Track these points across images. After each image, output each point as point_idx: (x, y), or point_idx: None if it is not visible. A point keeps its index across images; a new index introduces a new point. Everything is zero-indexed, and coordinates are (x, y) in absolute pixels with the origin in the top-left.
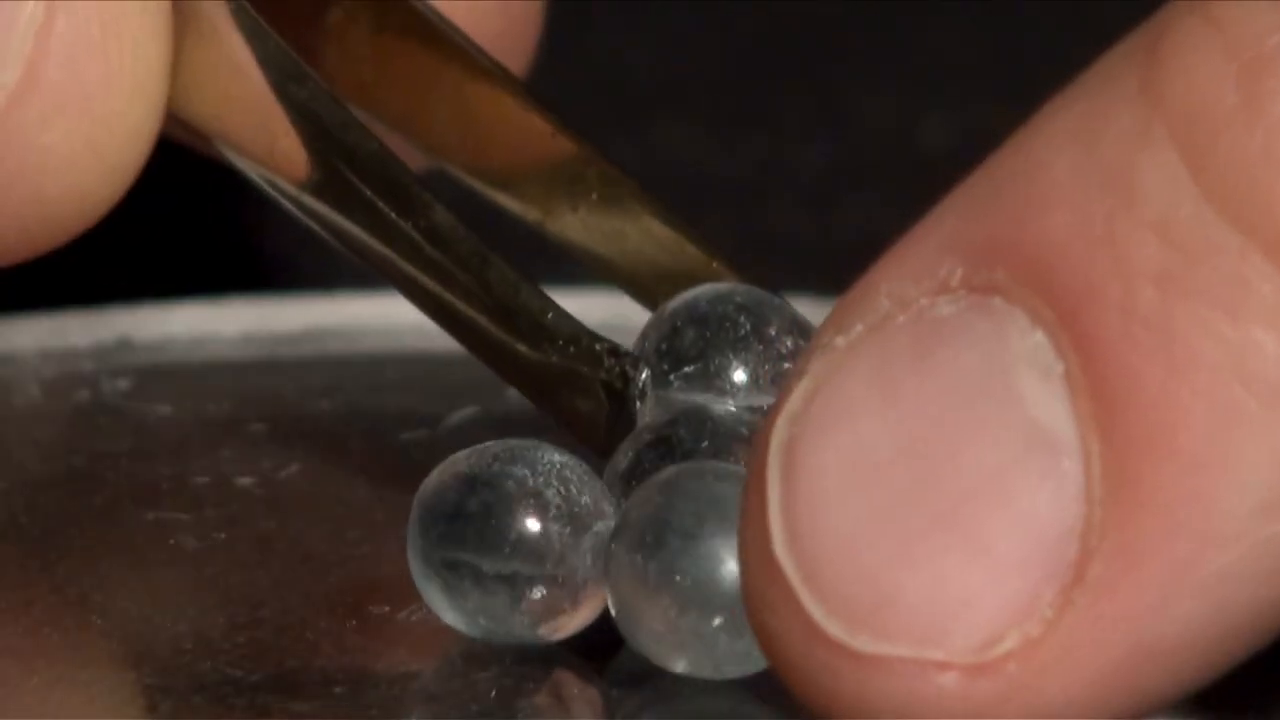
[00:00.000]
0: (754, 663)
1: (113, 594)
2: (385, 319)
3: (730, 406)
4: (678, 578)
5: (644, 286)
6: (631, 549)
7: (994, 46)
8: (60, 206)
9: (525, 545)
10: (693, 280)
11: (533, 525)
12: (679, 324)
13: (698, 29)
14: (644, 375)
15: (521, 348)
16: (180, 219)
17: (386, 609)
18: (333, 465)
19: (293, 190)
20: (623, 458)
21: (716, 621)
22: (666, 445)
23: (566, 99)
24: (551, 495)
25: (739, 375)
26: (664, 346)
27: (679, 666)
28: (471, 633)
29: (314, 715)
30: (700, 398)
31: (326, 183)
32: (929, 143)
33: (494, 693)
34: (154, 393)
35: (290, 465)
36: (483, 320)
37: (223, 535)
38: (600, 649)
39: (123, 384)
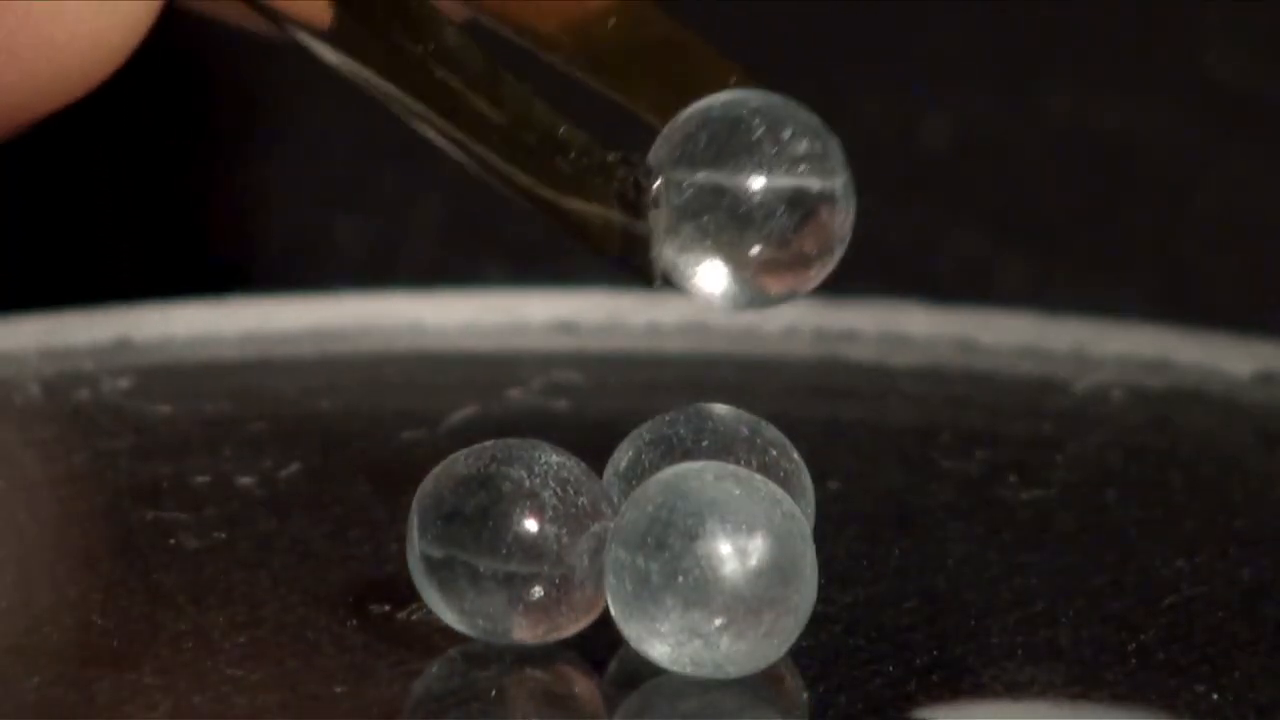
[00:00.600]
0: (755, 662)
1: (113, 593)
2: (385, 319)
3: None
4: (680, 579)
5: (663, 102)
6: (632, 550)
7: (993, 46)
8: (72, 54)
9: (523, 546)
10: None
11: (530, 526)
12: (693, 129)
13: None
14: (657, 184)
15: (532, 167)
16: (180, 219)
17: (387, 608)
18: (333, 465)
19: (306, 28)
20: (622, 457)
21: (718, 622)
22: (666, 445)
23: (566, 97)
24: (549, 496)
25: (755, 180)
26: (679, 153)
27: (680, 667)
28: (470, 633)
29: (315, 714)
30: (716, 189)
31: (338, 14)
32: (929, 142)
33: (494, 692)
34: (154, 392)
35: (290, 465)
36: (495, 140)
37: (223, 534)
38: (600, 649)
39: (123, 383)
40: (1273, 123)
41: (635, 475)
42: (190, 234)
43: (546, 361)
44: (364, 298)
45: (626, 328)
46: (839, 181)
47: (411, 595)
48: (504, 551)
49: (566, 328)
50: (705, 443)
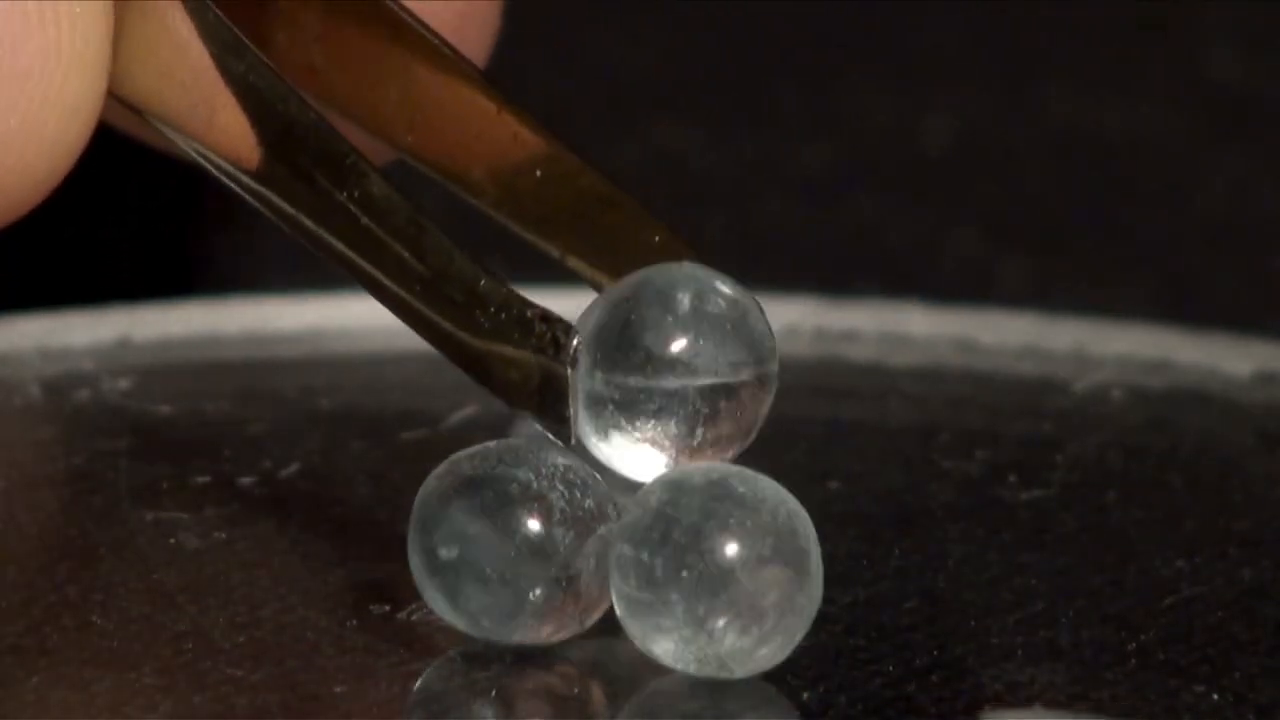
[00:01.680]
0: (760, 661)
1: (113, 593)
2: (385, 319)
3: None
4: (684, 573)
5: (588, 255)
6: (637, 546)
7: (993, 45)
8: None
9: (528, 547)
10: (648, 250)
11: (535, 527)
12: (606, 320)
13: (697, 28)
14: (575, 341)
15: (452, 318)
16: (180, 219)
17: (387, 608)
18: (333, 465)
19: (231, 167)
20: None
21: (724, 619)
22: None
23: (566, 98)
24: (555, 498)
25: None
26: (593, 350)
27: (684, 665)
28: (473, 633)
29: (315, 714)
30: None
31: (264, 157)
32: (929, 142)
33: (494, 692)
34: (154, 392)
35: (291, 465)
36: (416, 289)
37: (223, 535)
38: (600, 649)
39: (123, 383)
40: (1272, 123)
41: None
42: (190, 234)
43: None
44: (364, 297)
45: None
46: (760, 371)
47: (412, 595)
48: (510, 554)
49: None
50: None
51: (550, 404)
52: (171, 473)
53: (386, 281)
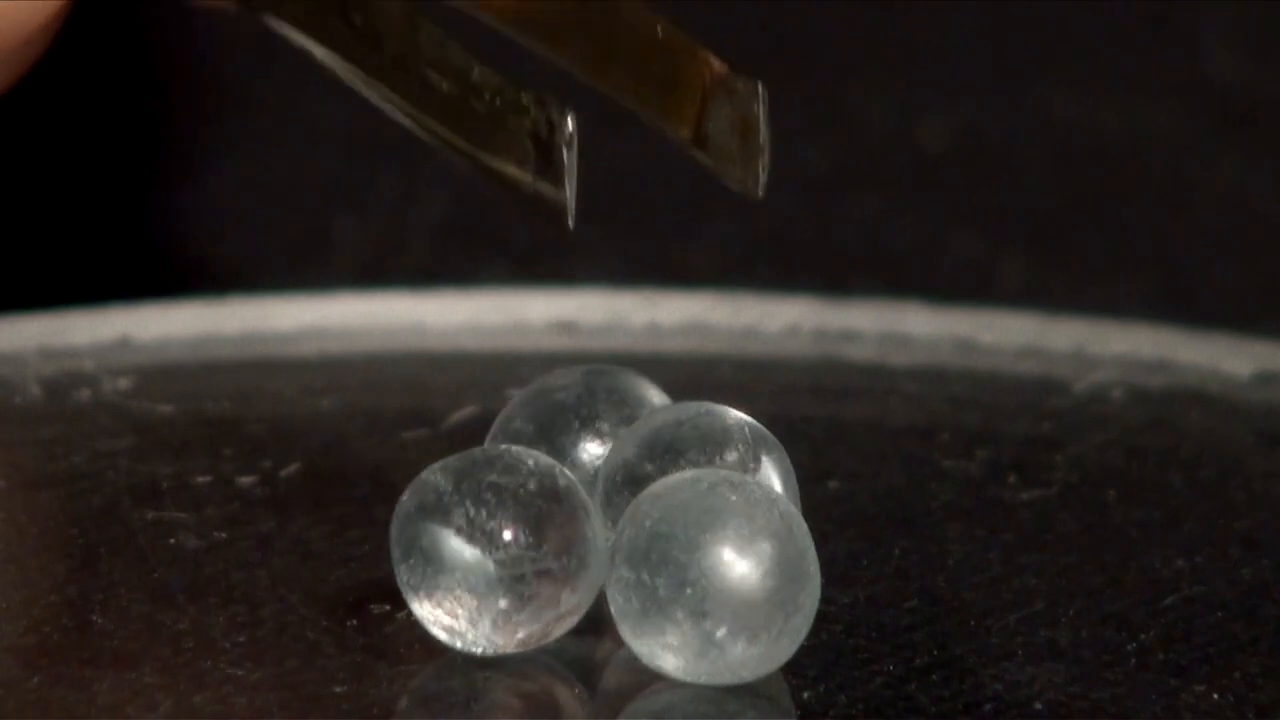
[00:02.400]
0: (768, 665)
1: (113, 593)
2: (385, 319)
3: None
4: (688, 590)
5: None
6: (636, 567)
7: (992, 48)
8: None
9: (501, 558)
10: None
11: (507, 536)
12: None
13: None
14: (569, 121)
15: (449, 112)
16: (181, 219)
17: (387, 608)
18: (333, 464)
19: None
20: (615, 457)
21: (731, 629)
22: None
23: (566, 99)
24: (525, 503)
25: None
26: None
27: (694, 678)
28: (462, 647)
29: (314, 714)
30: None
31: None
32: (929, 143)
33: (493, 692)
34: (155, 392)
35: (290, 464)
36: (410, 82)
37: (223, 534)
38: (600, 650)
39: (123, 383)
40: (1272, 124)
41: (626, 478)
42: (191, 234)
43: (546, 361)
44: (364, 297)
45: (626, 328)
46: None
47: (408, 604)
48: (489, 562)
49: (566, 328)
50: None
51: (545, 191)
52: (172, 472)
53: (385, 86)
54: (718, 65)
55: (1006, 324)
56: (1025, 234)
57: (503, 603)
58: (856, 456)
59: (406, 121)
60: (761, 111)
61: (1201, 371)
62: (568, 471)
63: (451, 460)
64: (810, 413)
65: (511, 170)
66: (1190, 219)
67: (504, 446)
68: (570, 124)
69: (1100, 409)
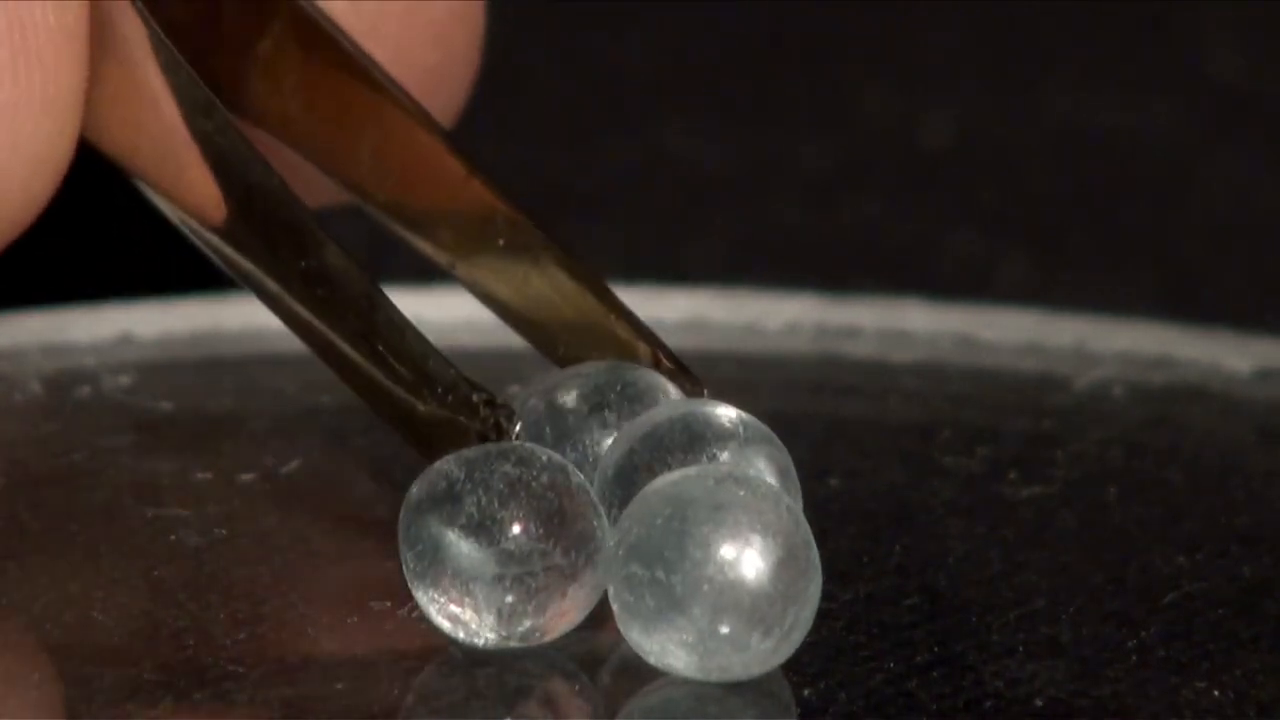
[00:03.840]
0: (777, 658)
1: (114, 590)
2: None
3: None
4: (705, 587)
5: (548, 336)
6: (650, 563)
7: (993, 44)
8: None
9: (511, 549)
10: (592, 332)
11: (516, 529)
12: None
13: (698, 27)
14: (517, 427)
15: (400, 394)
16: None
17: (388, 604)
18: (334, 461)
19: (197, 225)
20: (612, 455)
21: (747, 624)
22: (658, 443)
23: (569, 98)
24: (537, 497)
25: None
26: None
27: (706, 675)
28: (465, 639)
29: (316, 711)
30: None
31: (228, 217)
32: (929, 140)
33: (495, 689)
34: (155, 389)
35: (292, 461)
36: (366, 364)
37: (224, 531)
38: (601, 646)
39: (124, 380)
40: (1272, 121)
41: (627, 474)
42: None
43: (546, 359)
44: None
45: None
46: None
47: (412, 592)
48: (494, 556)
49: None
50: (695, 442)
51: None
52: (172, 469)
53: (340, 349)
54: (667, 362)
55: (1007, 321)
56: (1026, 231)
57: (510, 596)
58: (857, 453)
59: (358, 394)
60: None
61: (1202, 368)
62: (578, 470)
63: (465, 450)
64: (810, 410)
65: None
66: (1191, 216)
67: (517, 442)
68: (517, 429)
69: (1101, 406)
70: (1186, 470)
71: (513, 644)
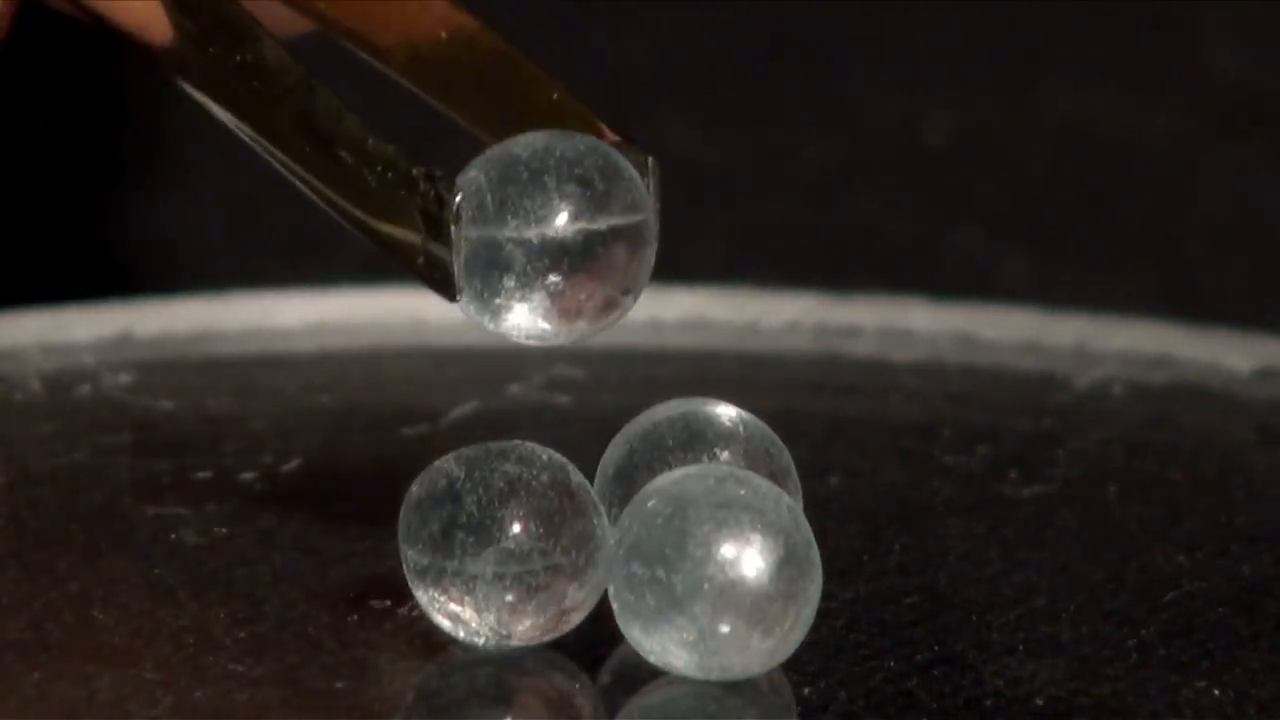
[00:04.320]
0: (778, 657)
1: (114, 589)
2: (387, 315)
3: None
4: (706, 586)
5: (488, 116)
6: (650, 562)
7: (994, 43)
8: None
9: (511, 548)
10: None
11: (517, 528)
12: (481, 185)
13: (700, 24)
14: (458, 199)
15: (341, 179)
16: (182, 215)
17: (388, 603)
18: (334, 460)
19: (141, 39)
20: (612, 454)
21: (748, 623)
22: (658, 442)
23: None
24: (538, 496)
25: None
26: (470, 209)
27: (706, 674)
28: (465, 637)
29: (316, 710)
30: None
31: (165, 26)
32: (931, 138)
33: (495, 688)
34: (155, 388)
35: (291, 460)
36: (306, 150)
37: (224, 530)
38: (601, 645)
39: (124, 379)
40: (1274, 120)
41: (627, 473)
42: (191, 230)
43: (547, 357)
44: (365, 294)
45: (627, 323)
46: (631, 220)
47: (412, 591)
48: (493, 555)
49: None
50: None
51: (435, 270)
52: (172, 468)
53: (280, 150)
54: (611, 135)
55: (1007, 320)
56: (1026, 230)
57: (509, 595)
58: (857, 452)
59: (301, 186)
60: (651, 185)
61: (1202, 367)
62: (578, 470)
63: (465, 449)
64: (811, 408)
65: (401, 239)
66: (1191, 215)
67: (517, 441)
68: (458, 200)
69: (1101, 405)
70: (1187, 469)
71: (513, 643)
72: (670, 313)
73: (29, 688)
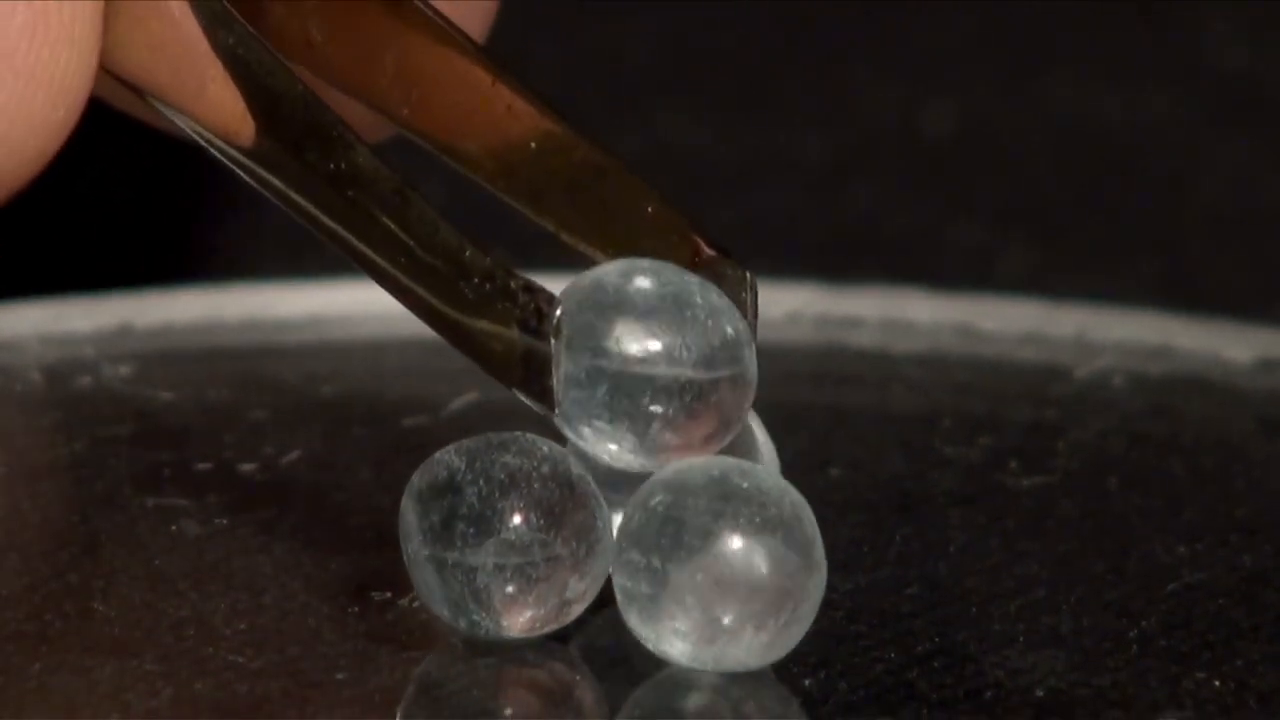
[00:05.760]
0: (775, 652)
1: (114, 580)
2: (386, 305)
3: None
4: (699, 577)
5: (584, 228)
6: (647, 552)
7: (995, 34)
8: None
9: (511, 539)
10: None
11: (517, 519)
12: (590, 318)
13: (699, 17)
14: (558, 312)
15: (437, 289)
16: (181, 205)
17: (389, 595)
18: (335, 451)
19: (223, 142)
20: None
21: (742, 618)
22: None
23: (568, 89)
24: (538, 487)
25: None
26: (577, 332)
27: (700, 664)
28: (466, 628)
29: (316, 702)
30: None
31: (254, 130)
32: (931, 130)
33: (496, 679)
34: (155, 379)
35: (292, 451)
36: (401, 260)
37: (225, 521)
38: (602, 637)
39: (124, 370)
40: (1274, 110)
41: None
42: (191, 220)
43: None
44: (365, 285)
45: None
46: (735, 371)
47: (413, 582)
48: (493, 546)
49: None
50: None
51: (533, 376)
52: (173, 459)
53: (373, 254)
54: (707, 249)
55: (1008, 310)
56: (1027, 221)
57: (510, 587)
58: (858, 443)
59: (392, 292)
60: (750, 300)
61: (1203, 358)
62: (580, 461)
63: (466, 441)
64: (811, 399)
65: (498, 350)
66: (1192, 206)
67: (518, 432)
68: (558, 314)
69: (1102, 395)
70: (1187, 460)
71: (513, 635)
72: None
73: (29, 679)
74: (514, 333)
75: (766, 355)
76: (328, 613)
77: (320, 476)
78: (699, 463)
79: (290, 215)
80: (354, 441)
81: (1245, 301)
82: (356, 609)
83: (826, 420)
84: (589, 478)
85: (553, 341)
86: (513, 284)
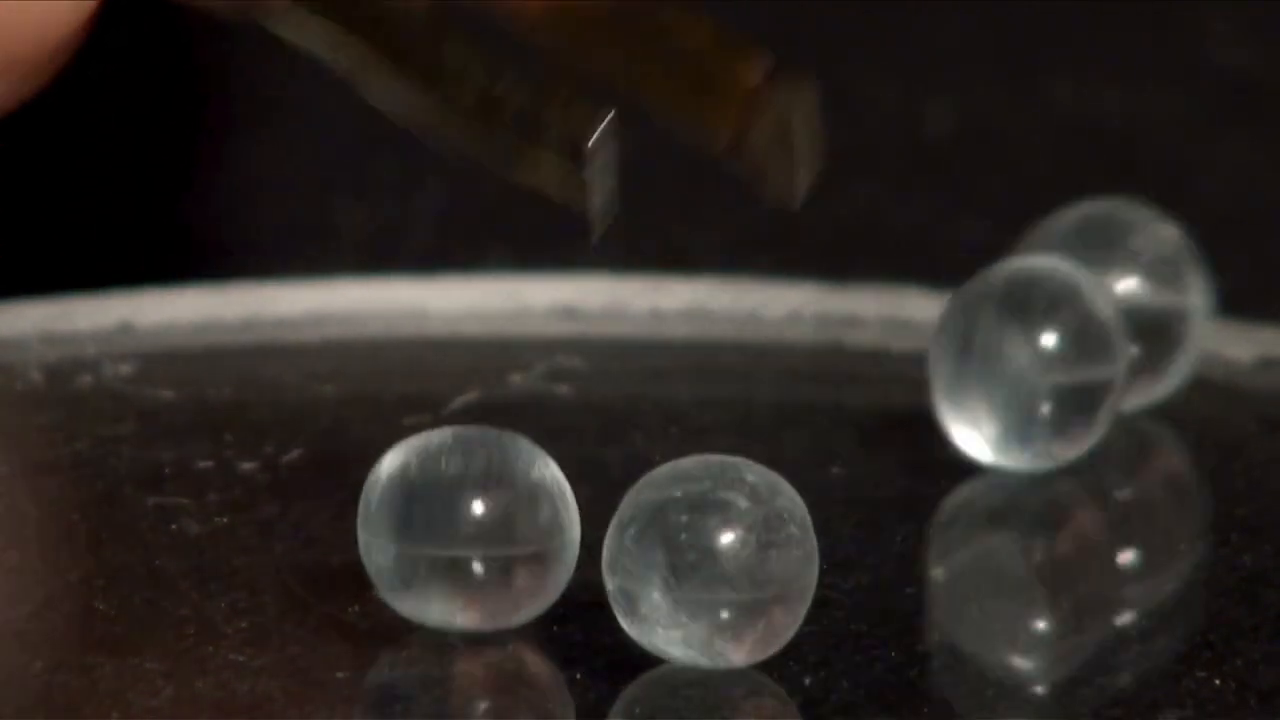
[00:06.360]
0: (768, 649)
1: (115, 579)
2: (387, 304)
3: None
4: (694, 572)
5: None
6: (644, 548)
7: (995, 33)
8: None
9: (475, 528)
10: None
11: (479, 508)
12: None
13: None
14: (598, 130)
15: (472, 119)
16: (182, 205)
17: None
18: (335, 450)
19: (257, 7)
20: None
21: (739, 613)
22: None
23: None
24: (494, 486)
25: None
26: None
27: (692, 661)
28: (425, 622)
29: (316, 700)
30: None
31: None
32: (933, 128)
33: (496, 677)
34: (156, 378)
35: (292, 450)
36: (441, 98)
37: (225, 520)
38: (600, 635)
39: (125, 369)
40: (1275, 111)
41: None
42: (192, 219)
43: (548, 347)
44: (366, 283)
45: (629, 313)
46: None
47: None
48: (458, 536)
49: (568, 313)
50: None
51: (571, 187)
52: (173, 458)
53: (409, 90)
54: (762, 69)
55: None
56: (1028, 220)
57: (477, 572)
58: (858, 443)
59: (428, 123)
60: (799, 120)
61: (1204, 357)
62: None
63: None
64: (812, 398)
65: (540, 177)
66: (1193, 204)
67: (490, 428)
68: (598, 132)
69: None
70: (1188, 459)
71: (483, 629)
72: (671, 303)
73: (31, 678)
74: (563, 157)
75: (767, 354)
76: (328, 611)
77: (321, 475)
78: (691, 461)
79: (328, 60)
80: (354, 440)
81: (1246, 300)
82: (357, 608)
83: (826, 419)
84: (559, 475)
85: (591, 164)
86: (550, 110)
